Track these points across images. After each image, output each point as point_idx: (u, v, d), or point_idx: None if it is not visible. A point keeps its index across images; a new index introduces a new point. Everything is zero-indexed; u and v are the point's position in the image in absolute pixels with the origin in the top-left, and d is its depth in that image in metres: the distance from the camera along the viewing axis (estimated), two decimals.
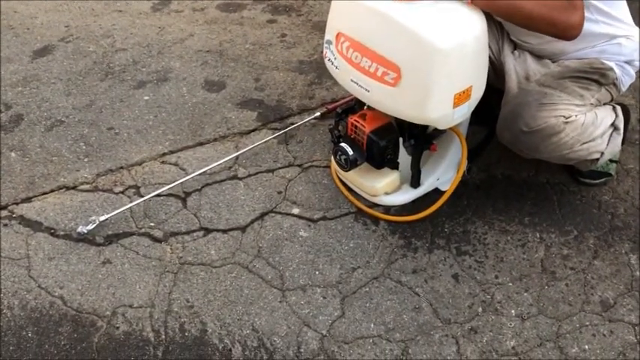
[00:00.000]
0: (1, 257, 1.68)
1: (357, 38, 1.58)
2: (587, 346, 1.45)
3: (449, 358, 1.44)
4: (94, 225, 1.71)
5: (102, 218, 1.73)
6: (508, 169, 1.92)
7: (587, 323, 1.50)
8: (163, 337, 1.49)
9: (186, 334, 1.49)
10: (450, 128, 1.69)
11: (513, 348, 1.45)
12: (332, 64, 1.72)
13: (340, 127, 1.79)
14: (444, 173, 1.84)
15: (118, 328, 1.50)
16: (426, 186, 1.83)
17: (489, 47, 1.61)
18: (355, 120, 1.72)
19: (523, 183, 1.88)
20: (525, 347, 1.45)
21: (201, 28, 2.76)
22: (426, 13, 1.49)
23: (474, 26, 1.51)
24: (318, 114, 2.13)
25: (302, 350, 1.45)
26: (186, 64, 2.51)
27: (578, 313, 1.52)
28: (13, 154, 2.06)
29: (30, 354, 1.45)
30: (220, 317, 1.53)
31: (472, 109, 1.64)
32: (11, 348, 1.47)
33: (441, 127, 1.63)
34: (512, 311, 1.53)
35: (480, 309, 1.54)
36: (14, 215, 1.83)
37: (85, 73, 2.47)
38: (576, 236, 1.71)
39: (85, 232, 1.70)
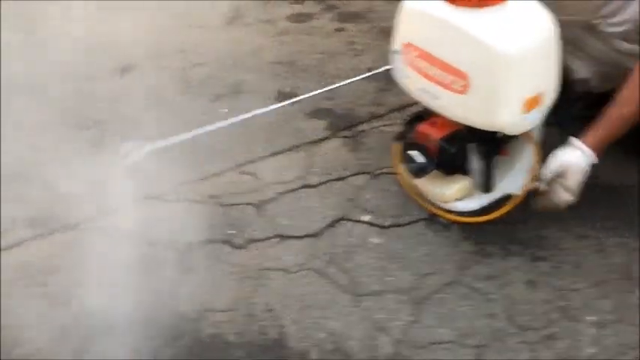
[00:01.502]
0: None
1: (424, 48, 1.61)
2: None
3: None
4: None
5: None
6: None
7: None
8: (245, 339, 1.57)
9: (266, 336, 1.57)
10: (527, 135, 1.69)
11: (593, 355, 1.44)
12: (400, 74, 1.75)
13: (409, 135, 1.82)
14: (517, 178, 1.83)
15: (203, 331, 1.60)
16: (499, 192, 1.83)
17: None
18: (424, 127, 1.74)
19: (595, 186, 1.83)
20: (605, 355, 1.43)
21: (272, 40, 2.86)
22: (492, 19, 1.50)
23: (541, 30, 1.51)
24: None
25: (376, 354, 1.50)
26: (258, 76, 2.60)
27: None
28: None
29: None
30: (298, 321, 1.59)
31: (544, 113, 1.63)
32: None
33: (511, 134, 1.63)
34: (589, 318, 1.51)
35: (557, 315, 1.53)
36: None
37: (165, 87, 2.61)
38: None
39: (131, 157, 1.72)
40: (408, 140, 1.82)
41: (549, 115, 1.71)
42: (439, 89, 1.60)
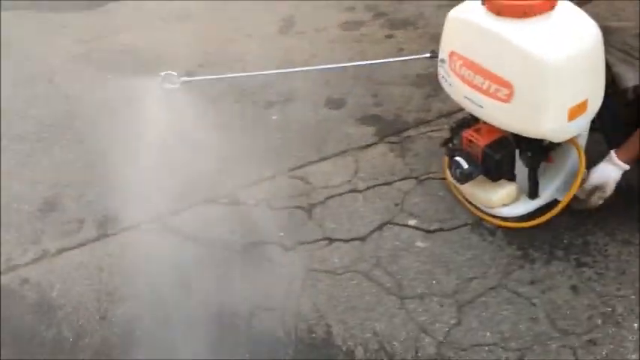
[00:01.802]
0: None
1: (469, 57, 1.66)
2: None
3: None
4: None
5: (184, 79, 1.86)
6: (632, 178, 1.87)
7: None
8: (293, 337, 1.65)
9: (314, 335, 1.65)
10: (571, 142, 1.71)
11: None
12: (446, 81, 1.80)
13: (455, 141, 1.87)
14: (563, 184, 1.84)
15: (254, 328, 1.69)
16: (545, 197, 1.85)
17: None
18: (470, 134, 1.78)
19: None
20: None
21: (323, 48, 2.95)
22: (536, 28, 1.53)
23: (586, 39, 1.52)
24: None
25: (420, 355, 1.55)
26: (309, 84, 2.69)
27: None
28: (164, 170, 2.34)
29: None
30: (344, 321, 1.67)
31: (589, 120, 1.64)
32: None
33: (556, 141, 1.65)
34: (635, 324, 1.52)
35: (600, 321, 1.54)
36: (167, 225, 2.10)
37: (221, 94, 2.73)
38: None
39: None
40: (453, 146, 1.86)
41: (596, 120, 1.73)
42: (483, 97, 1.64)
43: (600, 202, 1.71)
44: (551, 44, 1.50)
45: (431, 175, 2.06)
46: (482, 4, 1.59)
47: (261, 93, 2.71)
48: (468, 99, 1.70)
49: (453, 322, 1.61)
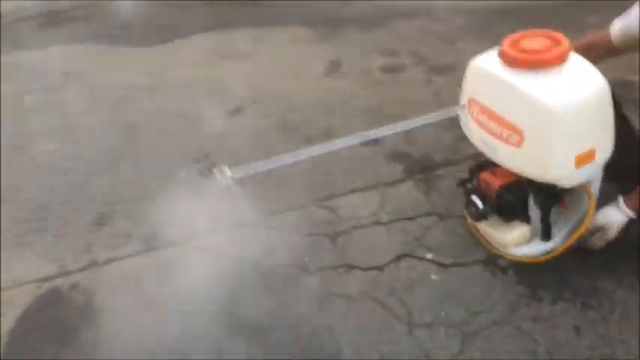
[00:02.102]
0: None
1: (485, 104, 1.78)
2: None
3: None
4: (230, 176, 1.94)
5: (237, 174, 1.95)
6: None
7: None
8: (306, 352, 1.78)
9: (325, 352, 1.77)
10: (580, 186, 1.79)
11: None
12: (465, 125, 1.92)
13: (473, 182, 1.98)
14: (575, 228, 1.91)
15: (272, 341, 1.82)
16: (557, 240, 1.92)
17: None
18: (486, 176, 1.89)
19: None
20: None
21: (365, 90, 3.12)
22: (546, 79, 1.64)
23: (592, 91, 1.62)
24: None
25: None
26: (348, 122, 2.86)
27: None
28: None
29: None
30: (354, 342, 1.78)
31: (598, 168, 1.73)
32: None
33: (565, 186, 1.73)
34: None
35: None
36: (206, 244, 2.28)
37: (266, 129, 2.94)
38: None
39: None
40: (471, 186, 1.97)
41: (611, 171, 1.81)
42: (497, 142, 1.75)
43: (602, 243, 1.79)
44: (558, 94, 1.60)
45: (452, 214, 2.16)
46: (499, 55, 1.72)
47: (303, 128, 2.89)
48: (484, 143, 1.82)
49: (456, 350, 1.70)
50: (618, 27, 1.79)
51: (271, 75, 3.46)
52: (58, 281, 2.23)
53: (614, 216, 1.78)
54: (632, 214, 1.74)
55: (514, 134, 1.68)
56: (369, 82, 3.18)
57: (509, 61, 1.68)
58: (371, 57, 3.46)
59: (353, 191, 2.39)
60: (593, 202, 1.81)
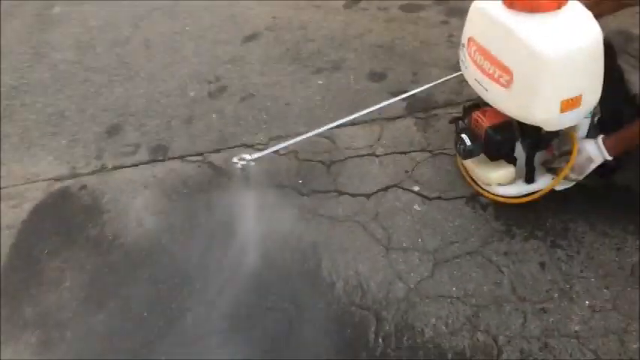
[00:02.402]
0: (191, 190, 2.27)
1: (482, 44, 1.82)
2: None
3: (513, 327, 1.65)
4: (249, 162, 2.08)
5: (255, 156, 2.09)
6: (629, 179, 1.98)
7: None
8: (288, 265, 1.91)
9: (306, 265, 1.91)
10: (569, 133, 1.85)
11: (576, 332, 1.61)
12: (463, 64, 1.97)
13: (465, 120, 2.04)
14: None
15: (259, 252, 1.96)
16: (540, 184, 1.99)
17: None
18: (477, 115, 1.95)
19: (632, 193, 1.94)
20: (588, 334, 1.60)
21: (380, 26, 3.14)
22: (541, 23, 1.67)
23: (585, 38, 1.65)
24: None
25: (390, 295, 1.78)
26: (358, 56, 2.91)
27: None
28: (213, 116, 2.65)
29: None
30: (333, 258, 1.91)
31: (585, 115, 1.78)
32: None
33: (548, 129, 1.79)
34: (587, 302, 1.67)
35: (556, 295, 1.71)
36: (205, 160, 2.41)
37: (278, 57, 3.00)
38: None
39: (238, 163, 2.06)
40: (462, 125, 2.04)
41: (604, 122, 1.86)
42: (489, 81, 1.81)
43: (575, 177, 1.82)
44: (550, 39, 1.64)
45: (445, 151, 2.24)
46: None
47: (315, 59, 2.95)
48: (478, 82, 1.87)
49: (426, 274, 1.82)
50: None
51: (290, 4, 3.48)
52: (69, 182, 2.38)
53: (591, 150, 1.80)
54: (607, 155, 1.76)
55: (504, 75, 1.74)
56: (385, 18, 3.19)
57: (509, 3, 1.72)
58: None
59: (354, 124, 2.47)
60: (576, 147, 1.86)
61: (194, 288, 1.89)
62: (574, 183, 1.96)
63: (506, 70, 1.73)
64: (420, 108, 2.51)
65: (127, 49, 3.25)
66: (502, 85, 1.76)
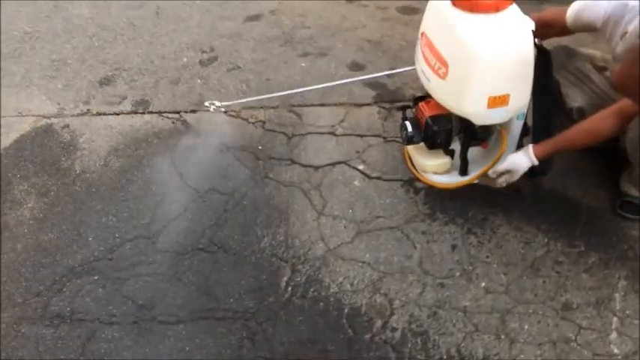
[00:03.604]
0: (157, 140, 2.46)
1: (430, 37, 1.98)
2: (526, 326, 1.68)
3: (410, 294, 1.79)
4: (214, 107, 2.27)
5: (225, 103, 2.28)
6: (557, 183, 2.12)
7: (540, 313, 1.71)
8: (227, 214, 2.09)
9: (242, 218, 2.08)
10: (500, 130, 1.98)
11: (465, 307, 1.75)
12: (416, 56, 2.13)
13: (413, 109, 2.19)
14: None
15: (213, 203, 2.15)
16: (472, 177, 2.13)
17: None
18: (422, 105, 2.10)
19: (563, 198, 2.07)
20: (475, 310, 1.74)
21: (374, 22, 3.30)
22: (479, 22, 1.81)
23: (516, 41, 1.79)
24: None
25: (309, 253, 1.94)
26: (346, 46, 3.07)
27: (539, 303, 1.74)
28: (198, 81, 2.85)
29: None
30: (268, 215, 2.08)
31: (513, 115, 1.92)
32: None
33: (477, 123, 1.93)
34: (483, 283, 1.81)
35: (458, 274, 1.85)
36: (181, 119, 2.60)
37: (273, 38, 3.18)
38: (580, 252, 1.88)
39: (210, 107, 2.27)
40: (409, 113, 2.19)
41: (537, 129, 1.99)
42: (430, 73, 1.96)
43: (504, 184, 1.95)
44: (482, 38, 1.78)
45: (397, 139, 2.39)
46: None
47: (305, 44, 3.12)
48: (423, 73, 2.03)
49: (347, 240, 1.97)
50: (573, 9, 1.92)
51: None
52: (54, 120, 2.60)
53: (521, 161, 1.93)
54: (536, 161, 1.88)
55: (442, 67, 1.88)
56: (381, 16, 3.35)
57: (454, 2, 1.87)
58: None
59: (323, 105, 2.64)
60: (505, 142, 2.00)
61: (139, 223, 2.07)
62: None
63: (444, 62, 1.87)
64: (387, 99, 2.66)
65: (138, 13, 3.46)
66: (440, 76, 1.90)
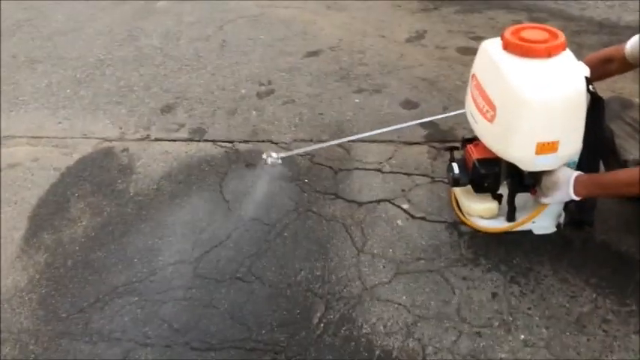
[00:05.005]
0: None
1: (480, 79, 1.96)
2: None
3: (444, 341, 1.74)
4: (276, 159, 2.28)
5: (282, 155, 2.31)
6: (610, 236, 2.02)
7: None
8: (267, 245, 2.11)
9: (281, 249, 2.09)
10: None
11: (500, 359, 1.67)
12: (466, 97, 2.11)
13: (462, 151, 2.16)
14: (540, 218, 2.04)
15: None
16: (516, 223, 2.06)
17: None
18: (470, 147, 2.07)
19: (617, 252, 1.97)
20: None
21: (431, 62, 3.30)
22: (530, 67, 1.78)
23: (567, 86, 1.75)
24: None
25: (345, 290, 1.92)
26: (401, 84, 3.09)
27: None
28: (254, 112, 2.93)
29: None
30: (308, 249, 2.08)
31: (562, 162, 1.85)
32: None
33: (523, 169, 1.88)
34: (522, 336, 1.73)
35: (496, 324, 1.78)
36: (233, 148, 2.67)
37: (329, 74, 3.24)
38: (631, 311, 1.77)
39: (269, 162, 2.27)
40: (456, 154, 2.16)
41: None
42: (478, 115, 1.93)
43: (540, 199, 1.88)
44: (532, 82, 1.75)
45: (445, 180, 2.36)
46: (501, 39, 1.89)
47: (360, 80, 3.16)
48: (471, 115, 2.00)
49: (384, 280, 1.95)
50: (632, 42, 1.87)
51: (360, 30, 3.73)
52: (116, 143, 2.73)
53: (561, 175, 1.81)
54: (572, 192, 1.77)
55: (490, 110, 1.86)
56: (439, 56, 3.35)
57: (505, 46, 1.85)
58: (455, 37, 3.61)
59: (372, 141, 2.64)
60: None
61: (182, 248, 2.12)
62: (554, 230, 2.03)
63: (492, 105, 1.85)
64: (437, 138, 2.64)
65: (204, 46, 3.62)
66: (487, 119, 1.88)
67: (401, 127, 2.45)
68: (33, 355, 1.80)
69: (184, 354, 1.77)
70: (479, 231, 2.04)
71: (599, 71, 1.97)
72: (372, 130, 2.64)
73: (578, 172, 1.82)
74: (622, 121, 1.99)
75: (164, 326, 1.85)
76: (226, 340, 1.80)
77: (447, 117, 2.61)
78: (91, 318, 1.90)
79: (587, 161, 1.88)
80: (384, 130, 2.38)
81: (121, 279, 2.02)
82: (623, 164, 1.97)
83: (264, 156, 2.19)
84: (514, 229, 2.00)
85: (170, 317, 1.88)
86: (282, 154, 2.22)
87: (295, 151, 2.43)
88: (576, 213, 1.97)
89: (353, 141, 2.61)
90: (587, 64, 1.81)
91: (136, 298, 1.95)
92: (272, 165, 2.17)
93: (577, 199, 1.79)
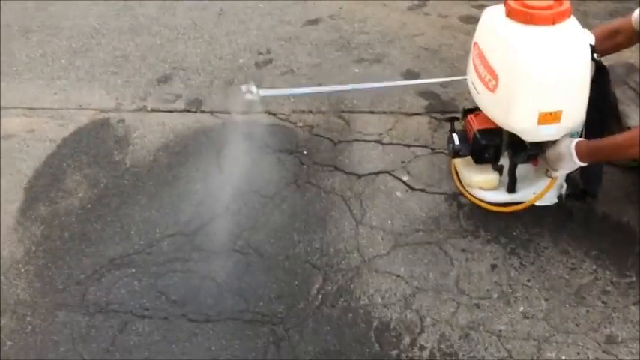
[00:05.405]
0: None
1: (482, 48, 1.91)
2: (564, 357, 1.59)
3: (443, 313, 1.73)
4: (255, 94, 2.07)
5: (262, 92, 2.11)
6: (611, 208, 2.00)
7: (581, 344, 1.61)
8: (265, 217, 2.09)
9: (279, 221, 2.07)
10: None
11: (499, 331, 1.67)
12: (468, 66, 2.06)
13: (462, 122, 2.12)
14: (541, 189, 2.02)
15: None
16: (521, 195, 2.03)
17: None
18: (471, 118, 2.03)
19: (617, 224, 1.95)
20: (510, 335, 1.65)
21: (434, 30, 3.24)
22: (533, 34, 1.73)
23: (570, 55, 1.70)
24: None
25: (343, 262, 1.91)
26: (402, 54, 3.03)
27: (580, 334, 1.64)
28: (252, 82, 2.87)
29: None
30: (306, 221, 2.07)
31: (564, 132, 1.82)
32: None
33: (526, 139, 1.85)
34: (521, 308, 1.72)
35: (495, 295, 1.77)
36: (231, 119, 2.63)
37: (329, 43, 3.18)
38: (631, 282, 1.76)
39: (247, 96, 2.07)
40: (457, 125, 2.12)
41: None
42: (480, 84, 1.89)
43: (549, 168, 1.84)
44: (534, 49, 1.71)
45: (445, 151, 2.32)
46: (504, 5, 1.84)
47: (361, 50, 3.10)
48: (473, 84, 1.96)
49: (383, 252, 1.93)
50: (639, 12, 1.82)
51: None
52: (112, 114, 2.69)
53: (563, 146, 1.78)
54: (576, 158, 1.73)
55: (492, 79, 1.82)
56: (442, 24, 3.28)
57: (508, 13, 1.79)
58: (459, 5, 3.52)
59: (373, 112, 2.60)
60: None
61: (179, 220, 2.10)
62: (556, 201, 2.00)
63: (494, 74, 1.81)
64: (439, 109, 2.59)
65: (201, 15, 3.54)
66: (489, 89, 1.84)
67: (395, 86, 2.40)
68: (30, 327, 1.80)
69: (182, 325, 1.76)
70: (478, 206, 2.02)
71: (608, 44, 1.92)
72: (371, 100, 2.62)
73: (578, 139, 1.78)
74: (626, 85, 1.94)
75: (162, 298, 1.85)
76: (223, 312, 1.79)
77: (448, 86, 2.57)
78: (88, 290, 1.89)
79: (590, 131, 1.85)
80: (378, 84, 2.33)
81: (118, 251, 2.01)
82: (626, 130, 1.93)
83: (243, 88, 2.06)
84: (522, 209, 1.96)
85: (168, 289, 1.87)
86: (263, 91, 2.10)
87: (278, 91, 2.37)
88: (581, 184, 1.93)
89: (352, 112, 2.58)
90: (595, 38, 1.75)
91: (133, 270, 1.94)
92: (250, 100, 2.04)
93: (583, 164, 1.75)
